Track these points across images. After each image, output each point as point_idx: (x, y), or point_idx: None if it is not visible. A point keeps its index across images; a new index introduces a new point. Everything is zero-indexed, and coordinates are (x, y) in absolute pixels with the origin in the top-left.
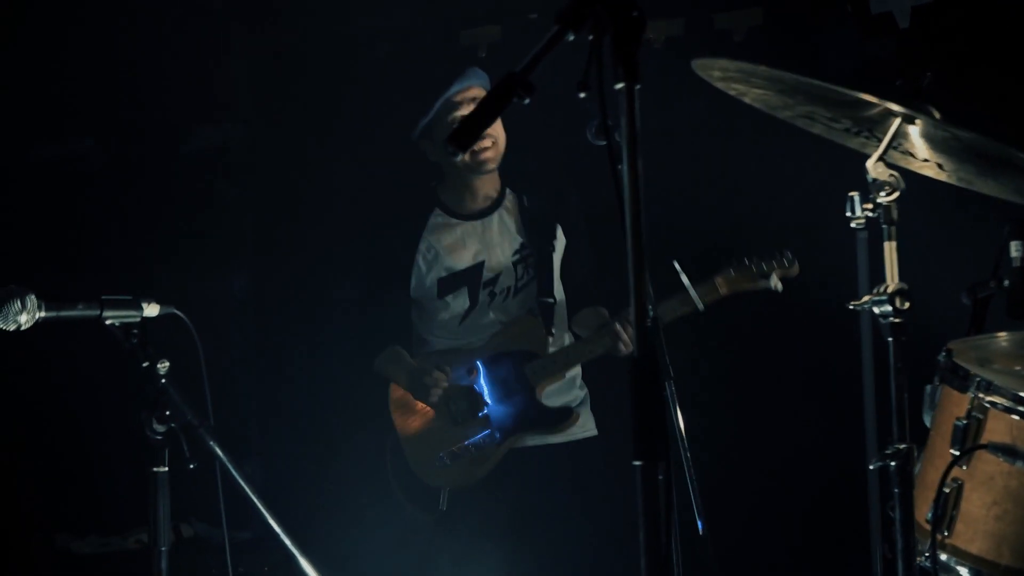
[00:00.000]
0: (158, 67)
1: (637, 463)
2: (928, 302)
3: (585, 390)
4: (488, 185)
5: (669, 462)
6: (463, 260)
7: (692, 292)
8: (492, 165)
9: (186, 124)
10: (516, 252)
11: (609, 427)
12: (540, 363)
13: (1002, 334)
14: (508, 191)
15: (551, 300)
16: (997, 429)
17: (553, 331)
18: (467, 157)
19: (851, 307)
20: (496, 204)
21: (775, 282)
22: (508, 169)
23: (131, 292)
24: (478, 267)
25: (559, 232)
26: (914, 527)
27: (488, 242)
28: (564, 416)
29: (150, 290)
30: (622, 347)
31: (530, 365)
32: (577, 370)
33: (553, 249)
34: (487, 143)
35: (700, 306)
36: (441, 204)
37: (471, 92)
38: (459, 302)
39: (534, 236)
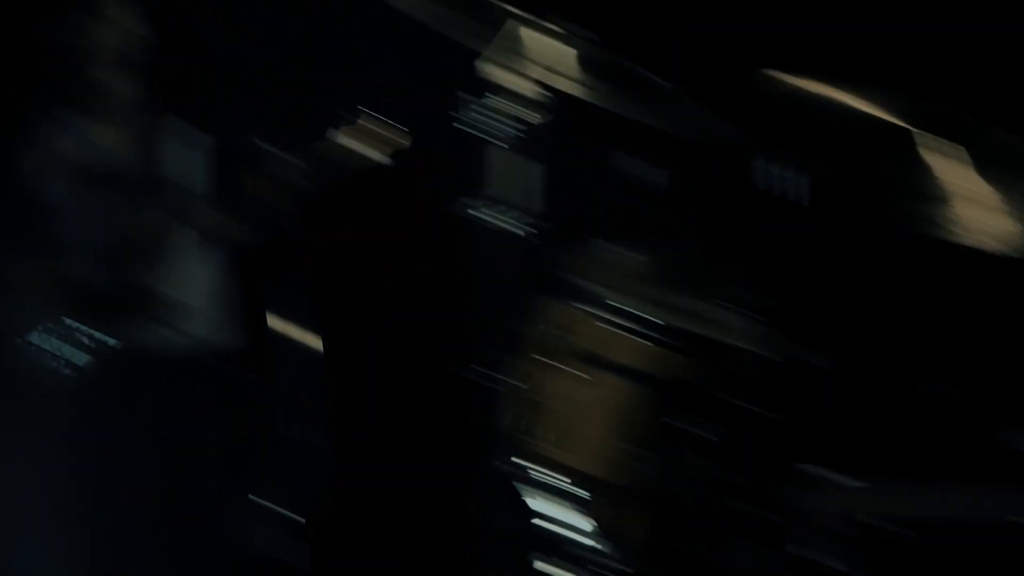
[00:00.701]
0: None
1: None
2: (536, 217)
3: None
4: None
5: None
6: None
7: None
8: None
9: None
10: None
11: None
12: None
13: (606, 247)
14: None
15: None
16: (599, 341)
17: None
18: None
19: (471, 212)
20: None
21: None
22: None
23: None
24: None
25: None
26: (516, 442)
27: None
28: None
29: None
30: None
31: None
32: None
33: None
34: None
35: None
36: None
37: None
38: None
39: None
